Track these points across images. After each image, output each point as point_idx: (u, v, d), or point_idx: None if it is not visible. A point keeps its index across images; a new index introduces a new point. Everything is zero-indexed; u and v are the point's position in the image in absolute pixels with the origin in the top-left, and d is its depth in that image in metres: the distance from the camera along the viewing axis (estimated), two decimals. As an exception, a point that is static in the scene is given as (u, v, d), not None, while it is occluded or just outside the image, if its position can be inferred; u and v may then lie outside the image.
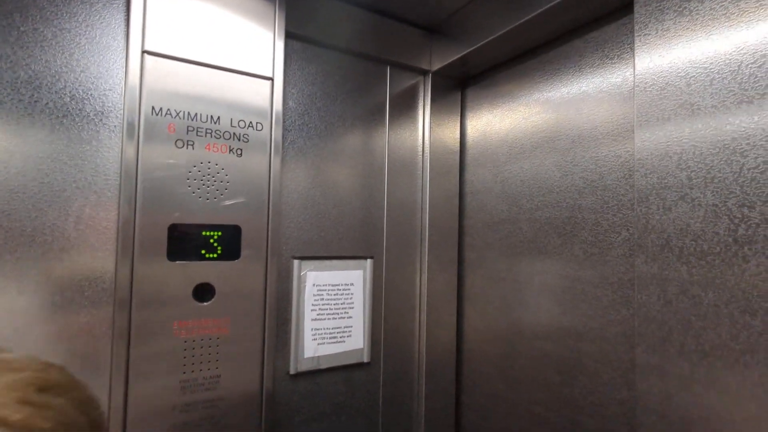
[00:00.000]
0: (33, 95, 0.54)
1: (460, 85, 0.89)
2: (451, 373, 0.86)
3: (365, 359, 0.78)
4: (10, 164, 0.52)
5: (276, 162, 0.68)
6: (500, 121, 0.80)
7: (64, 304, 0.55)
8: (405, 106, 0.85)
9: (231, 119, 0.65)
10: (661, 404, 0.49)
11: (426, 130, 0.86)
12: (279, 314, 0.69)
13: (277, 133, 0.68)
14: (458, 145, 0.88)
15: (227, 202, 0.64)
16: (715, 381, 0.44)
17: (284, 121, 0.71)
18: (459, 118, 0.89)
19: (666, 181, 0.48)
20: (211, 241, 0.63)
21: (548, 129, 0.70)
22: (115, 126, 0.59)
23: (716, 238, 0.44)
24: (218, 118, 0.64)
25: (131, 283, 0.57)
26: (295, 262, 0.72)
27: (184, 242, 0.61)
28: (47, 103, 0.55)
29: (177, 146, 0.61)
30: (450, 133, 0.88)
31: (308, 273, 0.73)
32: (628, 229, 0.57)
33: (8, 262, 0.52)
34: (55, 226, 0.55)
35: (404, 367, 0.82)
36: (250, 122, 0.66)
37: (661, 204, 0.48)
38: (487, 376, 0.79)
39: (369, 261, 0.79)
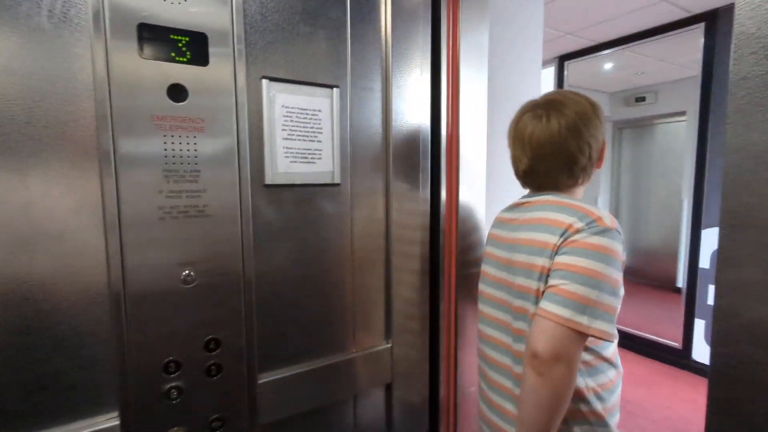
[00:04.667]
0: None
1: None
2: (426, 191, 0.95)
3: (336, 180, 0.86)
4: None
5: (236, -26, 0.71)
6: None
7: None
8: (365, -60, 0.86)
9: (188, -75, 0.67)
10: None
11: (386, -35, 0.88)
12: (252, 129, 0.76)
13: (235, -54, 0.70)
14: None
15: (192, 9, 0.68)
16: None
17: (242, -61, 0.73)
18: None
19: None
20: (180, 45, 0.67)
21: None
22: (74, -76, 0.61)
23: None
24: (175, -77, 0.66)
25: (108, 75, 0.63)
26: (264, 81, 0.77)
27: (153, 42, 0.65)
28: None
29: (137, -54, 0.63)
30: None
31: (277, 94, 0.78)
32: None
33: None
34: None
35: (372, 189, 0.91)
36: (208, -69, 0.68)
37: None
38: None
39: (335, 90, 0.84)
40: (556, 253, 0.70)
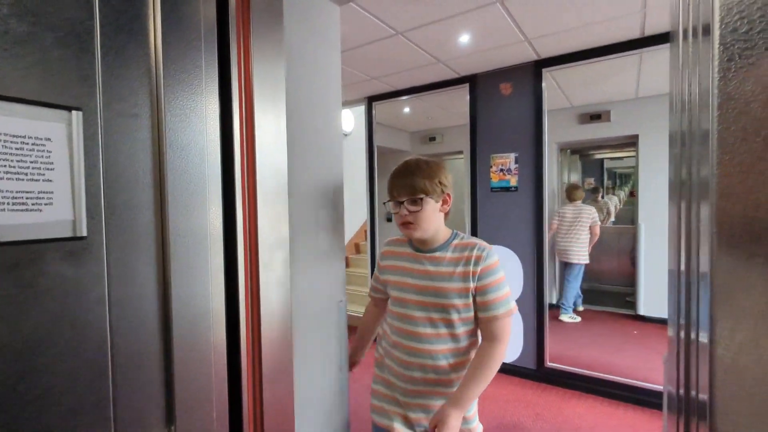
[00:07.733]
0: None
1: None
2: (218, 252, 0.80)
3: (80, 232, 0.64)
4: None
5: None
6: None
7: None
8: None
9: None
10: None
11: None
12: None
13: None
14: (200, 4, 0.80)
15: None
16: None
17: None
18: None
19: None
20: None
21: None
22: None
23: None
24: None
25: None
26: (-66, 92, 0.51)
27: None
28: None
29: None
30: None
31: (-37, 112, 0.53)
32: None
33: None
34: None
35: (141, 238, 0.72)
36: None
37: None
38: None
39: (76, 113, 0.64)
40: None
